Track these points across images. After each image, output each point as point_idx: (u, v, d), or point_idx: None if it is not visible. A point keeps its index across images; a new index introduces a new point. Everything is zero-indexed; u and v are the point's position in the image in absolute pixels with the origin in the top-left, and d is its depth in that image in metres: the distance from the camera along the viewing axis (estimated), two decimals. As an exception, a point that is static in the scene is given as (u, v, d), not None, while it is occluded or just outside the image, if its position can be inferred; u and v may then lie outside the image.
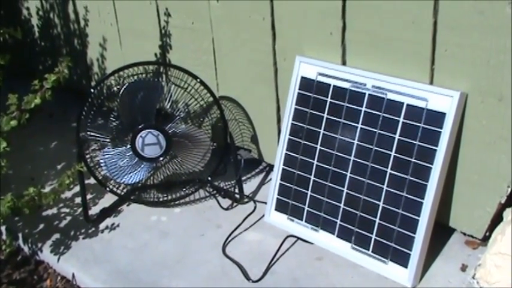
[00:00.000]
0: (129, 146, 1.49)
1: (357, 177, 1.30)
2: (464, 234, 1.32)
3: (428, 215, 1.20)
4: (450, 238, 1.34)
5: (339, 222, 1.34)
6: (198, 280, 1.31)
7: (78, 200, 1.63)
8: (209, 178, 1.60)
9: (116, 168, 1.52)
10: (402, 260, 1.24)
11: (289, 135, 1.42)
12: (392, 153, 1.25)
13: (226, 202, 1.58)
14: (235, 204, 1.57)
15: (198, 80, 1.51)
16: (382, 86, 1.26)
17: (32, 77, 1.45)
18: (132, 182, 1.55)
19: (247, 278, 1.30)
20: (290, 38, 1.42)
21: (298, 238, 1.40)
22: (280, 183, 1.44)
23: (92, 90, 1.49)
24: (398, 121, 1.24)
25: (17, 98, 1.37)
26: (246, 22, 1.48)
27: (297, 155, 1.41)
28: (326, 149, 1.36)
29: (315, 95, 1.37)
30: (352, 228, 1.31)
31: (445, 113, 1.17)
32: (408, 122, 1.22)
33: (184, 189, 1.60)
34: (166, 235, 1.48)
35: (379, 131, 1.27)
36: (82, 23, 1.97)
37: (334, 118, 1.34)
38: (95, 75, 2.05)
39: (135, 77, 1.49)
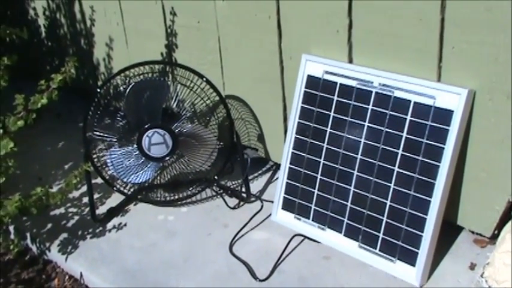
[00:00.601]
0: (135, 146, 1.49)
1: (364, 175, 1.30)
2: (473, 232, 1.31)
3: (436, 214, 1.19)
4: (458, 237, 1.33)
5: (346, 220, 1.33)
6: (205, 279, 1.31)
7: (85, 199, 1.63)
8: (216, 177, 1.59)
9: (122, 167, 1.52)
10: (410, 258, 1.23)
11: (296, 133, 1.42)
12: (400, 152, 1.24)
13: (233, 201, 1.58)
14: (242, 203, 1.57)
15: (204, 79, 1.51)
16: (389, 84, 1.25)
17: (39, 77, 1.45)
18: (139, 182, 1.55)
19: (254, 277, 1.30)
20: (296, 36, 1.42)
21: (305, 237, 1.40)
22: (287, 182, 1.44)
23: (98, 90, 1.49)
24: (406, 119, 1.23)
25: (23, 98, 1.38)
26: (252, 21, 1.48)
27: (303, 154, 1.41)
28: (333, 148, 1.35)
29: (321, 93, 1.37)
30: (360, 227, 1.31)
31: (452, 111, 1.17)
32: (415, 120, 1.22)
33: (191, 188, 1.60)
34: (174, 234, 1.48)
35: (386, 129, 1.26)
36: (88, 22, 1.97)
37: (341, 116, 1.33)
38: (102, 75, 2.05)
39: (141, 77, 1.49)
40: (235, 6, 1.50)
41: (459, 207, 1.27)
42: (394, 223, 1.25)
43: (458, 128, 1.16)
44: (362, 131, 1.30)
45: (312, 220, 1.39)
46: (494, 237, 1.26)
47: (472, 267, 1.25)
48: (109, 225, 1.54)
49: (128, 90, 1.45)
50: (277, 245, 1.38)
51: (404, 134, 1.23)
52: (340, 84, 1.33)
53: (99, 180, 1.60)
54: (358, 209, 1.31)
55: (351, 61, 1.34)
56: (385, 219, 1.27)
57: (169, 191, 1.62)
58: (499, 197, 1.20)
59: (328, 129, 1.36)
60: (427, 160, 1.20)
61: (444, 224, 1.22)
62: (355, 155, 1.31)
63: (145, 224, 1.53)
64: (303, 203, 1.41)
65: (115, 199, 1.63)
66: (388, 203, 1.26)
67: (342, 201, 1.34)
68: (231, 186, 1.63)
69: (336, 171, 1.35)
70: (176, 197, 1.60)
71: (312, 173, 1.39)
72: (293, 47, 1.44)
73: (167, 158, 1.51)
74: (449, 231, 1.29)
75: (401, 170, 1.24)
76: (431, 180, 1.19)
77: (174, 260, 1.39)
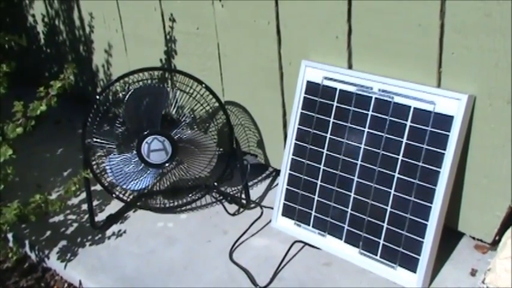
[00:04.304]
0: (134, 152, 1.48)
1: (364, 181, 1.29)
2: (474, 238, 1.31)
3: (436, 220, 1.18)
4: (459, 243, 1.32)
5: (346, 227, 1.33)
6: (205, 287, 1.31)
7: (84, 206, 1.63)
8: (215, 184, 1.59)
9: (122, 174, 1.52)
10: (411, 265, 1.22)
11: (296, 140, 1.41)
12: (400, 157, 1.24)
13: (232, 208, 1.57)
14: (241, 209, 1.56)
15: (204, 85, 1.50)
16: (388, 90, 1.25)
17: (38, 84, 1.45)
18: (139, 188, 1.55)
19: (255, 284, 1.29)
20: (295, 42, 1.42)
21: (306, 243, 1.39)
22: (287, 188, 1.44)
23: (98, 97, 1.49)
24: (406, 125, 1.23)
25: (22, 105, 1.38)
26: (251, 27, 1.48)
27: (303, 160, 1.40)
28: (333, 154, 1.35)
29: (321, 99, 1.36)
30: (360, 233, 1.30)
31: (453, 116, 1.16)
32: (416, 125, 1.21)
33: (190, 195, 1.60)
34: (173, 241, 1.47)
35: (386, 135, 1.26)
36: (87, 29, 1.97)
37: (341, 122, 1.33)
38: (101, 82, 2.05)
39: (141, 83, 1.49)
40: (234, 12, 1.50)
41: (460, 213, 1.27)
42: (395, 229, 1.25)
43: (459, 134, 1.16)
44: (362, 136, 1.30)
45: (312, 226, 1.39)
46: (495, 243, 1.25)
47: (473, 273, 1.24)
48: (108, 233, 1.53)
49: (127, 96, 1.45)
50: (277, 252, 1.37)
51: (405, 140, 1.23)
52: (340, 90, 1.33)
53: (98, 187, 1.59)
54: (359, 215, 1.30)
55: (350, 67, 1.34)
56: (385, 225, 1.26)
57: (168, 198, 1.61)
58: (500, 202, 1.20)
59: (328, 135, 1.35)
60: (427, 166, 1.20)
61: (445, 230, 1.22)
62: (355, 161, 1.31)
63: (144, 231, 1.52)
64: (303, 209, 1.40)
65: (114, 206, 1.62)
66: (389, 209, 1.25)
67: (342, 208, 1.33)
68: (231, 193, 1.63)
69: (336, 177, 1.34)
70: (176, 203, 1.59)
71: (312, 179, 1.38)
72: (292, 52, 1.43)
73: (166, 164, 1.50)
74: (450, 237, 1.29)
75: (401, 176, 1.24)
76: (432, 186, 1.19)
77: (173, 267, 1.38)
